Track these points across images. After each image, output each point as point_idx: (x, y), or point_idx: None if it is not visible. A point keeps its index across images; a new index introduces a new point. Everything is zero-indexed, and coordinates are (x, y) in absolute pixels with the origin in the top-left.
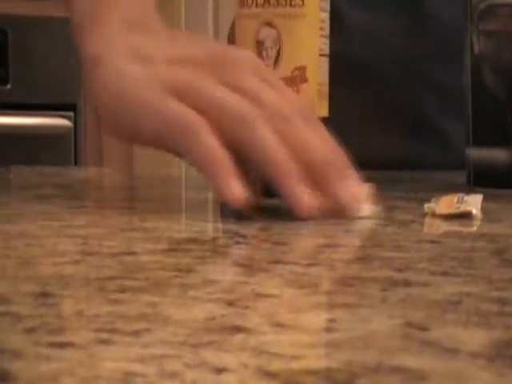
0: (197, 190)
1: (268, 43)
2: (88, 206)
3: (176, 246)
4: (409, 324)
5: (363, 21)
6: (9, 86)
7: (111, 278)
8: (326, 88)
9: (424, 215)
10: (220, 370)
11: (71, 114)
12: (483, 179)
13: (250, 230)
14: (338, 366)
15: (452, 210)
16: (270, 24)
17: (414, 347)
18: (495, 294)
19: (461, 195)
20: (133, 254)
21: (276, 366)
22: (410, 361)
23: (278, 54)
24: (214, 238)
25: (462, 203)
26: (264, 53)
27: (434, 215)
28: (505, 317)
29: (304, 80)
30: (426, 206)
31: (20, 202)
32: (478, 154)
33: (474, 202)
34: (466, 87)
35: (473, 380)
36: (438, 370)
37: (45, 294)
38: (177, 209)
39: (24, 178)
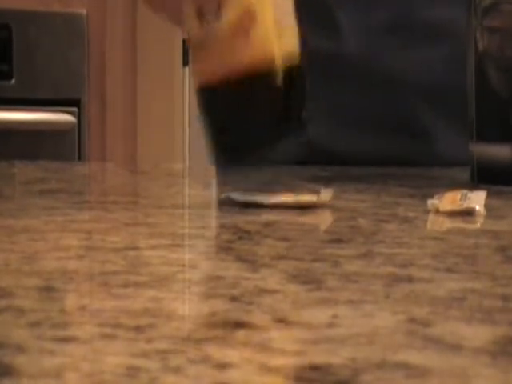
0: (200, 186)
1: None
2: (91, 201)
3: (179, 242)
4: (412, 320)
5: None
6: (12, 82)
7: (115, 273)
8: (290, 22)
9: (427, 212)
10: (223, 366)
11: (75, 109)
12: (487, 176)
13: (254, 225)
14: (341, 361)
15: (455, 207)
16: None
17: (417, 343)
18: (499, 290)
19: (464, 192)
20: (136, 249)
21: (279, 361)
22: (414, 357)
23: None
24: (217, 234)
25: (465, 200)
26: None
27: (437, 212)
28: (508, 313)
29: (253, 20)
30: (430, 202)
31: (24, 197)
32: (481, 150)
33: (477, 199)
34: (470, 84)
35: (476, 376)
36: (441, 366)
37: (48, 289)
38: (180, 204)
39: (28, 173)
